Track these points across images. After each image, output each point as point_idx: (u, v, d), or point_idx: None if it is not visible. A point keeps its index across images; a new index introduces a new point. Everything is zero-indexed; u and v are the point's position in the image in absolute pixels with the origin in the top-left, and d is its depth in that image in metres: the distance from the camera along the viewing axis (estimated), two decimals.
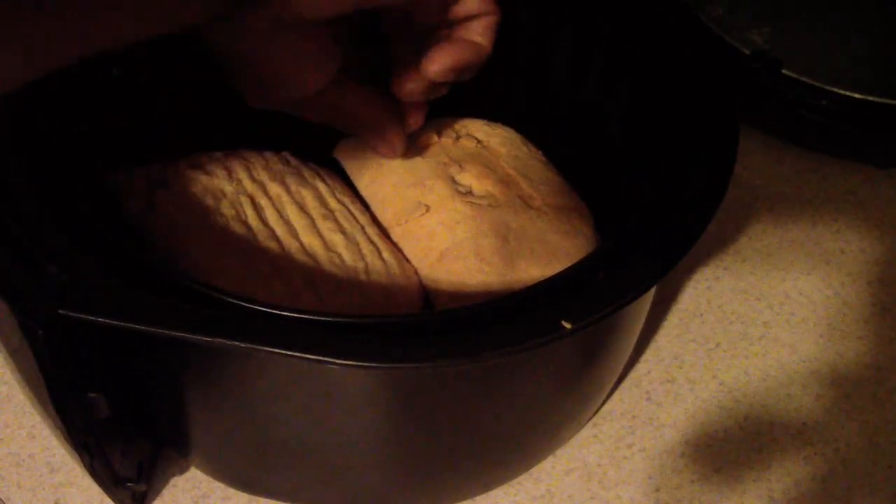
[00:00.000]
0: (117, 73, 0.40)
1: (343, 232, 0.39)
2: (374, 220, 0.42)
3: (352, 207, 0.41)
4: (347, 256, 0.38)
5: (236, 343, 0.28)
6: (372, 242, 0.40)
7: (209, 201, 0.39)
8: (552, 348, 0.30)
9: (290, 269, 0.37)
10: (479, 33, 0.37)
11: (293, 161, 0.43)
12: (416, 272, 0.40)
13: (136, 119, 0.43)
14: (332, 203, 0.41)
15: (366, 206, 0.42)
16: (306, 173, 0.42)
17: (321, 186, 0.42)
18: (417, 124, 0.41)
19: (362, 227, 0.40)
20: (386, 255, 0.39)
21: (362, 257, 0.39)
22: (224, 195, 0.39)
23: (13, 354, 0.31)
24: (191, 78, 0.44)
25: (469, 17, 0.37)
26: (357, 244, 0.39)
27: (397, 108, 0.40)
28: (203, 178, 0.40)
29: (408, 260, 0.40)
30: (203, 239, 0.38)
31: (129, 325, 0.28)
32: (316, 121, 0.39)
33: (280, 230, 0.39)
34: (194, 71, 0.45)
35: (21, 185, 0.33)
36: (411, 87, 0.38)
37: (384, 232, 0.41)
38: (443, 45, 0.36)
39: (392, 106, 0.40)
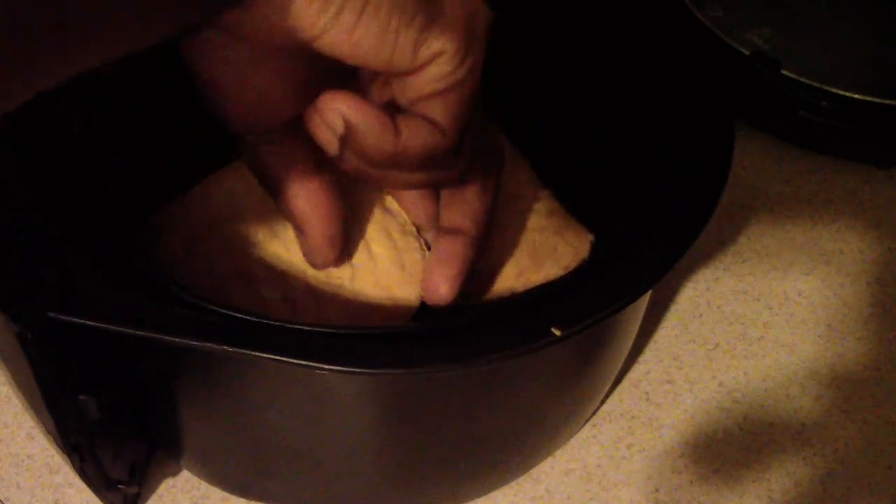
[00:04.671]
0: (115, 74, 0.40)
1: None
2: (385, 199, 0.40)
3: (350, 199, 0.39)
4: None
5: (225, 348, 0.28)
6: (364, 238, 0.38)
7: (203, 233, 0.38)
8: (546, 353, 0.30)
9: (271, 293, 0.37)
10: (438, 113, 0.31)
11: None
12: (420, 248, 0.38)
13: (139, 121, 0.43)
14: None
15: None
16: None
17: None
18: None
19: (358, 222, 0.38)
20: (374, 245, 0.37)
21: (349, 262, 0.37)
22: (216, 225, 0.39)
23: (4, 356, 0.31)
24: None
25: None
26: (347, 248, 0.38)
27: (337, 207, 0.35)
28: (200, 209, 0.39)
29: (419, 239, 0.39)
30: (195, 273, 0.37)
31: (120, 328, 0.28)
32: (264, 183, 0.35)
33: (270, 250, 0.38)
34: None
35: (13, 185, 0.33)
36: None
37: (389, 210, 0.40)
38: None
39: (333, 201, 0.34)
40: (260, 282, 0.37)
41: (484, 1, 0.31)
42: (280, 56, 0.30)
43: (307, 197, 0.34)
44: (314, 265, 0.37)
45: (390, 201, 0.39)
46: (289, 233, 0.38)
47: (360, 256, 0.37)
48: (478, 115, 0.33)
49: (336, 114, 0.29)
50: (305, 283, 0.37)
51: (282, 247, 0.37)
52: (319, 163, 0.34)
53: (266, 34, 0.28)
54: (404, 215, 0.39)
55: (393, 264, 0.37)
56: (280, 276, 0.37)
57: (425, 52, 0.29)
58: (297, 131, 0.32)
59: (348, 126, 0.29)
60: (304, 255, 0.37)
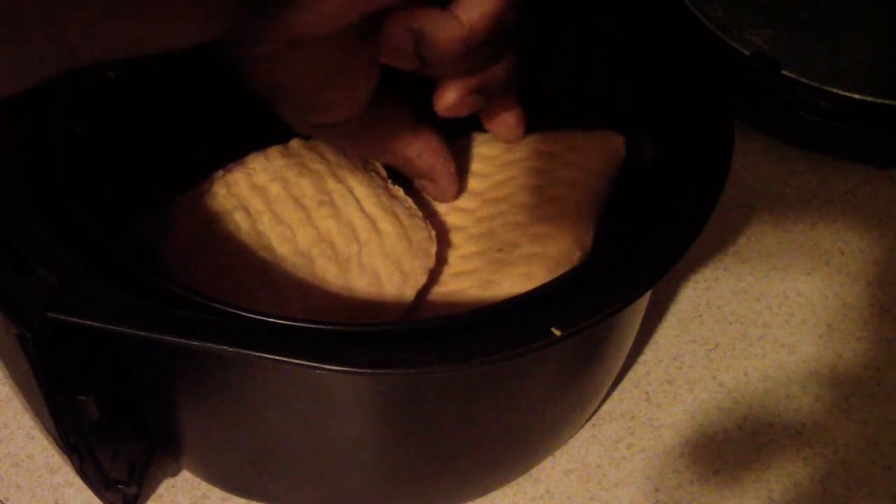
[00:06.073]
0: (113, 75, 0.40)
1: (337, 217, 0.38)
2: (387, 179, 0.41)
3: (351, 181, 0.40)
4: (340, 242, 0.38)
5: (225, 348, 0.28)
6: (368, 216, 0.38)
7: (207, 227, 0.39)
8: (545, 353, 0.30)
9: (278, 276, 0.37)
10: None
11: (296, 148, 0.42)
12: (426, 228, 0.39)
13: (137, 122, 0.43)
14: (330, 184, 0.40)
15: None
16: (307, 158, 0.41)
17: (321, 168, 0.40)
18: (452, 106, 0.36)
19: (358, 202, 0.39)
20: (382, 224, 0.38)
21: (356, 238, 0.38)
22: (221, 216, 0.39)
23: (4, 356, 0.31)
24: (193, 78, 0.44)
25: None
26: (351, 225, 0.38)
27: (447, 148, 0.39)
28: (204, 205, 0.39)
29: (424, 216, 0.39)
30: (200, 268, 0.38)
31: (118, 328, 0.28)
32: (372, 156, 0.39)
33: (275, 234, 0.38)
34: (197, 71, 0.45)
35: (11, 186, 0.33)
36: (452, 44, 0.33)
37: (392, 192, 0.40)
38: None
39: (443, 144, 0.39)
40: (270, 266, 0.37)
41: None
42: (344, 42, 0.32)
43: (429, 150, 0.38)
44: (448, 200, 0.41)
45: (396, 189, 0.40)
46: (276, 230, 0.38)
47: (367, 234, 0.38)
48: None
49: (402, 30, 0.31)
50: (301, 272, 0.37)
51: (279, 241, 0.38)
52: (417, 118, 0.38)
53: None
54: (410, 201, 0.40)
55: (400, 238, 0.38)
56: (278, 264, 0.38)
57: None
58: (384, 102, 0.36)
59: (417, 34, 0.31)
60: (437, 196, 0.41)
